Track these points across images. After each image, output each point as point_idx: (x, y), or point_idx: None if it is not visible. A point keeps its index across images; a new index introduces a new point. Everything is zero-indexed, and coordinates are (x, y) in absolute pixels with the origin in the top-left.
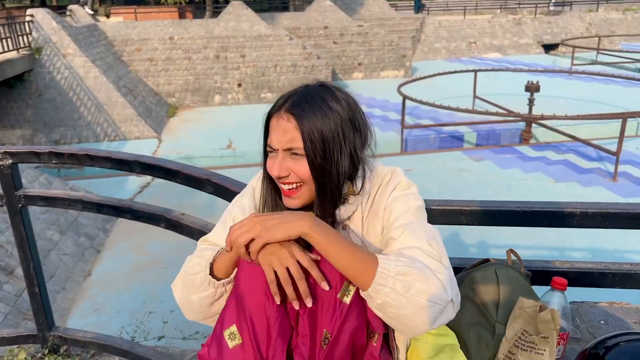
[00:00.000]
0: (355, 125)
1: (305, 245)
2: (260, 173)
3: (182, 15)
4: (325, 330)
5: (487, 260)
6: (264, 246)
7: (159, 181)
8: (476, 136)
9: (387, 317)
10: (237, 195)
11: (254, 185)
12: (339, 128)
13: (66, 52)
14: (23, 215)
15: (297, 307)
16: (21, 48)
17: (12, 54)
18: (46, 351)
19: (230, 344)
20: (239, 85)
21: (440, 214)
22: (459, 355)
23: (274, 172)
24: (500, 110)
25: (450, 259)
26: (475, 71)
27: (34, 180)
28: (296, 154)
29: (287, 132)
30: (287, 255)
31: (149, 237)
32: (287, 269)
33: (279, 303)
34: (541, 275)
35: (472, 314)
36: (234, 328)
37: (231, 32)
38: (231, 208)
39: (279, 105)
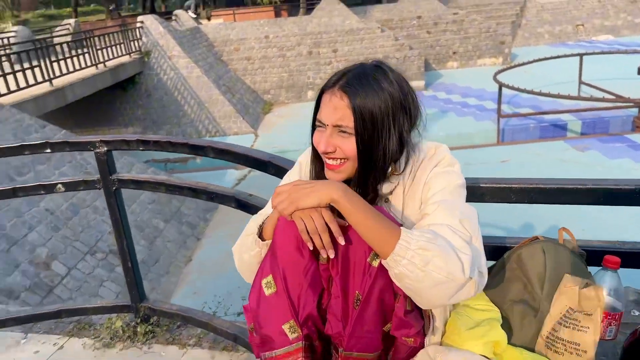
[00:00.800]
0: (406, 108)
1: (338, 214)
2: (308, 150)
3: (277, 14)
4: (357, 292)
5: (536, 239)
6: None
7: (255, 173)
8: (581, 124)
9: (404, 287)
10: (287, 172)
11: (301, 162)
12: (389, 110)
13: (172, 54)
14: (117, 197)
15: (324, 255)
16: (133, 52)
17: (125, 58)
18: (138, 320)
19: (267, 291)
20: None
21: (489, 192)
22: (496, 329)
23: (320, 147)
24: (609, 96)
25: (498, 237)
26: (581, 55)
27: (142, 174)
28: (344, 131)
29: (338, 109)
30: (315, 213)
31: (245, 225)
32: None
33: (311, 248)
34: (598, 255)
35: (518, 291)
36: (270, 277)
37: (324, 28)
38: (280, 183)
39: (333, 81)
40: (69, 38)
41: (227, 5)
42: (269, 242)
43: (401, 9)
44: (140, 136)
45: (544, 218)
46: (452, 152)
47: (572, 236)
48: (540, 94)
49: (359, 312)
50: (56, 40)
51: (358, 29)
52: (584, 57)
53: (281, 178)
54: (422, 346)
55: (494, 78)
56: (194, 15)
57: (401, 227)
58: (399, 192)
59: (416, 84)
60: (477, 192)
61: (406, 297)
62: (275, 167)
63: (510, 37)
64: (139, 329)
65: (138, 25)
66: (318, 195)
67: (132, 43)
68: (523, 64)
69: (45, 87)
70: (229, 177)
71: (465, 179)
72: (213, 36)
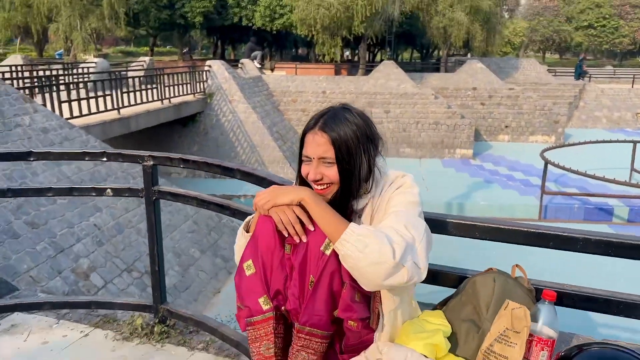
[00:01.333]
0: (370, 136)
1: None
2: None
3: (337, 72)
4: (311, 275)
5: (490, 270)
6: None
7: None
8: (629, 211)
9: (349, 267)
10: None
11: None
12: (359, 139)
13: (232, 99)
14: (155, 206)
15: (297, 241)
16: (197, 93)
17: (189, 97)
18: (156, 320)
19: (247, 272)
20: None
21: (455, 227)
22: (438, 335)
23: (310, 177)
24: None
25: (461, 269)
26: (635, 142)
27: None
28: (328, 162)
29: (321, 145)
30: (288, 209)
31: None
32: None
33: (287, 235)
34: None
35: (468, 312)
36: (250, 262)
37: (379, 89)
38: None
39: (312, 124)
40: (141, 73)
41: (293, 59)
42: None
43: (457, 79)
44: (182, 155)
45: (505, 254)
46: None
47: (524, 273)
48: (588, 175)
49: (312, 291)
50: (130, 74)
51: (412, 93)
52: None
53: None
54: (371, 340)
55: (541, 155)
56: (259, 65)
57: (350, 222)
58: (368, 209)
59: (464, 152)
60: (445, 225)
61: (353, 288)
62: None
63: (565, 117)
64: (155, 328)
65: (206, 68)
66: (291, 196)
67: (198, 84)
68: (573, 144)
69: (113, 115)
70: None
71: (438, 214)
72: (273, 86)
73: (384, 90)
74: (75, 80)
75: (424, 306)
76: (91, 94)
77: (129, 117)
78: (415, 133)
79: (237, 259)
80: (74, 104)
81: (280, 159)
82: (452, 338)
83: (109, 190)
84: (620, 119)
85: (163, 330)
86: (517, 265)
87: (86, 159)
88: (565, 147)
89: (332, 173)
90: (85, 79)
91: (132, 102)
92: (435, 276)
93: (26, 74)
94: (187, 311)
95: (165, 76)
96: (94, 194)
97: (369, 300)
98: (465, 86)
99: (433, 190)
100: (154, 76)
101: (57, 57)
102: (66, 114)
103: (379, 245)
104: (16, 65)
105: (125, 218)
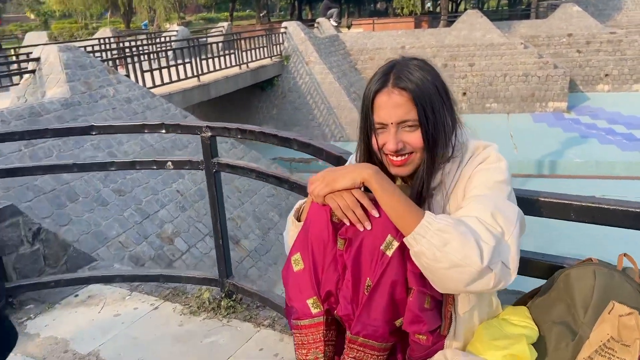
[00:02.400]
0: (445, 86)
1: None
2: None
3: (417, 25)
4: (368, 278)
5: (589, 260)
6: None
7: None
8: None
9: (422, 267)
10: None
11: (350, 162)
12: (438, 92)
13: (309, 60)
14: (216, 179)
15: (361, 229)
16: (274, 56)
17: (267, 61)
18: (223, 295)
19: (295, 267)
20: (464, 94)
21: (547, 207)
22: (521, 343)
23: (390, 147)
24: None
25: (551, 255)
26: None
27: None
28: (410, 125)
29: (401, 105)
30: (346, 193)
31: None
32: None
33: (348, 224)
34: None
35: (560, 312)
36: (298, 255)
37: (462, 41)
38: None
39: (381, 82)
40: (220, 39)
41: (370, 15)
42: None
43: (550, 25)
44: (239, 125)
45: (608, 241)
46: (588, 181)
47: (635, 264)
48: None
49: (367, 298)
50: (209, 40)
51: (499, 43)
52: None
53: None
54: (440, 347)
55: None
56: (335, 24)
57: (426, 211)
58: (441, 191)
59: (558, 105)
60: (535, 205)
61: (423, 293)
62: (344, 162)
63: None
64: (222, 303)
65: (282, 30)
66: (352, 176)
67: (274, 47)
68: None
69: (193, 82)
70: None
71: (526, 190)
72: (350, 44)
73: (468, 42)
74: (157, 49)
75: (504, 296)
76: (172, 63)
77: (209, 83)
78: (503, 86)
79: (287, 249)
80: (156, 73)
81: (358, 120)
82: (540, 344)
83: (169, 163)
84: None
85: (229, 305)
86: (625, 255)
87: (145, 131)
88: None
89: (414, 139)
90: (166, 48)
91: (212, 69)
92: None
93: (113, 45)
94: (252, 286)
95: (243, 41)
96: (155, 167)
97: (441, 304)
98: (559, 33)
99: (522, 149)
100: (232, 41)
101: (143, 28)
102: (149, 83)
103: (463, 243)
104: (104, 38)
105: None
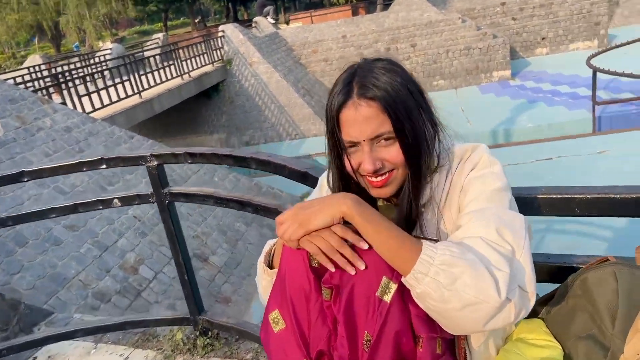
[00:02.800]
0: (418, 87)
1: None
2: (324, 174)
3: (355, 13)
4: (366, 332)
5: (606, 260)
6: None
7: None
8: None
9: (429, 310)
10: (309, 197)
11: (324, 184)
12: (412, 97)
13: (252, 61)
14: (170, 211)
15: (352, 272)
16: (215, 61)
17: (209, 68)
18: (197, 333)
19: (275, 328)
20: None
21: (547, 204)
22: None
23: (367, 168)
24: None
25: (559, 255)
26: None
27: (225, 178)
28: (386, 139)
29: (372, 118)
30: (326, 232)
31: None
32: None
33: (333, 270)
34: None
35: (583, 323)
36: (276, 313)
37: (401, 23)
38: None
39: (344, 94)
40: (157, 51)
41: (306, 8)
42: (277, 269)
43: None
44: (187, 149)
45: (620, 234)
46: (543, 145)
47: None
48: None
49: (369, 356)
50: (146, 54)
51: (437, 21)
52: None
53: None
54: None
55: (587, 62)
56: (273, 21)
57: (423, 241)
58: (431, 207)
59: (502, 73)
60: (533, 204)
61: (433, 339)
62: (312, 178)
63: (606, 17)
64: (198, 342)
65: (220, 34)
66: (329, 212)
67: (214, 52)
68: (620, 45)
69: (135, 100)
70: None
71: (521, 188)
72: (291, 40)
73: (407, 23)
74: (92, 71)
75: None
76: (110, 82)
77: (151, 99)
78: (447, 63)
79: (262, 300)
80: (94, 96)
81: (310, 115)
82: None
83: (116, 200)
84: None
85: (206, 343)
86: None
87: (84, 169)
88: (612, 51)
89: (393, 154)
90: (102, 68)
91: (152, 83)
92: None
93: (45, 73)
94: (228, 320)
95: (181, 50)
96: (100, 207)
97: (453, 343)
98: (493, 3)
99: (476, 122)
100: (170, 52)
101: (75, 50)
102: (88, 108)
103: (474, 276)
104: (35, 66)
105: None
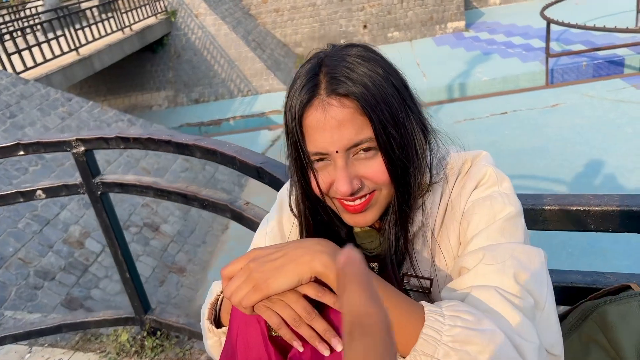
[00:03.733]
0: (404, 80)
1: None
2: (286, 186)
3: None
4: None
5: (627, 288)
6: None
7: None
8: None
9: None
10: (266, 216)
11: (283, 199)
12: (398, 93)
13: (198, 12)
14: (104, 202)
15: (327, 354)
16: (158, 13)
17: (151, 20)
18: (145, 333)
19: None
20: (364, 27)
21: (556, 217)
22: None
23: (342, 189)
24: None
25: (568, 272)
26: None
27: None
28: (366, 149)
29: (346, 122)
30: (291, 295)
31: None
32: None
33: (301, 350)
34: None
35: None
36: None
37: None
38: (257, 234)
39: (308, 91)
40: (95, 2)
41: None
42: (226, 329)
43: None
44: (119, 133)
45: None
46: (498, 99)
47: None
48: (593, 28)
49: None
50: (82, 6)
51: None
52: None
53: (276, 188)
54: None
55: (541, 13)
56: None
57: (425, 306)
58: (426, 229)
59: (456, 24)
60: (538, 217)
61: None
62: (268, 176)
63: None
64: (146, 343)
65: None
66: (295, 271)
67: (157, 3)
68: None
69: (72, 57)
70: (263, 139)
71: (528, 195)
72: None
73: None
74: (23, 25)
75: None
76: (43, 38)
77: (90, 55)
78: (402, 13)
79: (211, 355)
80: (26, 54)
81: (262, 70)
82: None
83: (39, 192)
84: None
85: (155, 344)
86: None
87: None
88: (563, 2)
89: (375, 169)
90: (34, 22)
91: (90, 38)
92: None
93: None
94: (178, 319)
95: (120, 1)
96: (21, 200)
97: None
98: None
99: (431, 76)
100: (109, 3)
101: (3, 1)
102: (19, 67)
103: (496, 356)
104: None
105: (109, 171)
